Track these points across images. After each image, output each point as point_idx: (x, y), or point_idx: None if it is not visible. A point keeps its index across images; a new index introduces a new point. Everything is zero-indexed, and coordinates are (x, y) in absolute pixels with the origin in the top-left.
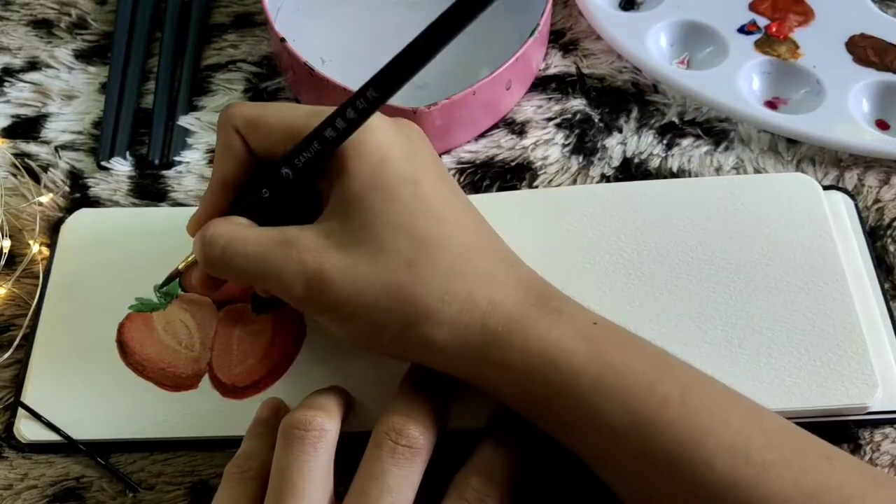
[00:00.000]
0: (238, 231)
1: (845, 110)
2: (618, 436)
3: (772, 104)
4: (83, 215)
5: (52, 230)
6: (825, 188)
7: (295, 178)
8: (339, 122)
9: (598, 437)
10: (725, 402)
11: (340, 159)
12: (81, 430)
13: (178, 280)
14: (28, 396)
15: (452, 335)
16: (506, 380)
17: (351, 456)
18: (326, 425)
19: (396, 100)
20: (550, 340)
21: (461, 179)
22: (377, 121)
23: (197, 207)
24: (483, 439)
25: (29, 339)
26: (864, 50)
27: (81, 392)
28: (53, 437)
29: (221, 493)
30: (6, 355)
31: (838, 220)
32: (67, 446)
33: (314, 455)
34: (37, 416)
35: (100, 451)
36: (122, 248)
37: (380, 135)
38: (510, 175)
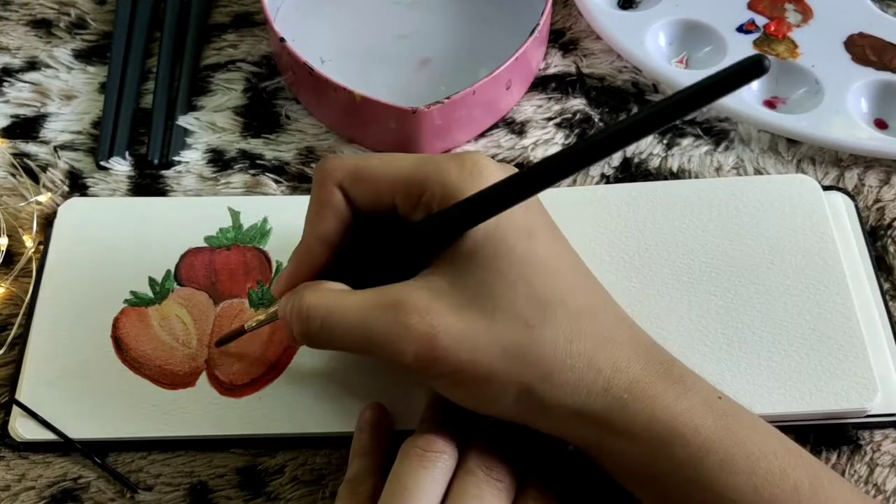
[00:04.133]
0: (336, 300)
1: (844, 109)
2: None
3: (770, 104)
4: (75, 204)
5: (48, 227)
6: (825, 188)
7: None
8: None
9: None
10: (854, 496)
11: None
12: (78, 430)
13: (173, 274)
14: (23, 395)
15: (573, 399)
16: (625, 450)
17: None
18: (447, 450)
19: (397, 99)
20: (678, 413)
21: None
22: (491, 167)
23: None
24: (526, 487)
25: (23, 337)
26: (863, 49)
27: (77, 390)
28: (49, 435)
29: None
30: (0, 353)
31: (838, 220)
32: (64, 445)
33: (432, 470)
34: (32, 415)
35: (97, 451)
36: (116, 239)
37: (509, 169)
38: None
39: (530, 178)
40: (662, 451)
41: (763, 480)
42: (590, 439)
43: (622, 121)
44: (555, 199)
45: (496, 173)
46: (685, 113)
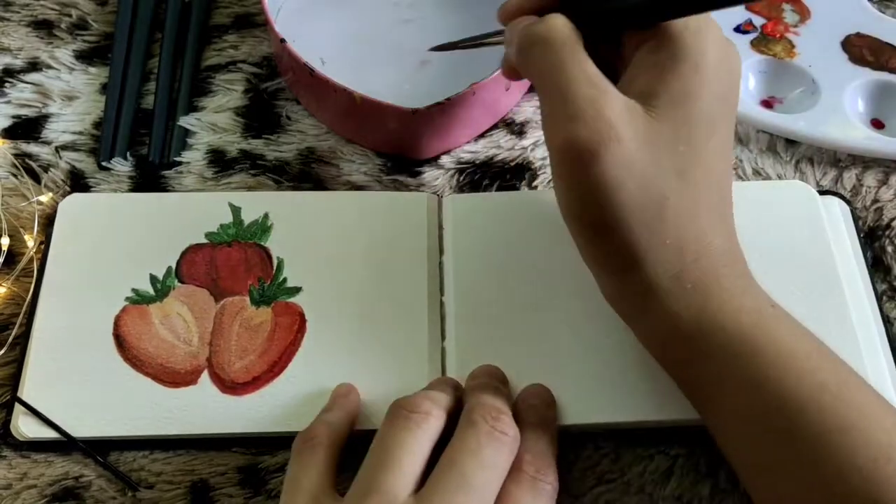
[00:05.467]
0: (562, 25)
1: (840, 109)
2: (768, 409)
3: (767, 103)
4: (76, 199)
5: (49, 226)
6: (822, 192)
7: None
8: None
9: (747, 407)
10: (878, 404)
11: (687, 43)
12: (80, 428)
13: (174, 271)
14: (25, 393)
15: (654, 271)
16: (671, 330)
17: (350, 455)
18: (433, 411)
19: (397, 99)
20: (728, 309)
21: (461, 179)
22: (722, 36)
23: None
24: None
25: (25, 336)
26: (860, 49)
27: (79, 389)
28: (52, 434)
29: (291, 466)
30: (1, 352)
31: (834, 225)
32: (66, 444)
33: (416, 431)
34: (35, 413)
35: (98, 449)
36: (117, 236)
37: (732, 50)
38: (510, 175)
39: None
40: (704, 337)
41: (791, 375)
42: (643, 317)
43: None
44: (554, 200)
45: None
46: None
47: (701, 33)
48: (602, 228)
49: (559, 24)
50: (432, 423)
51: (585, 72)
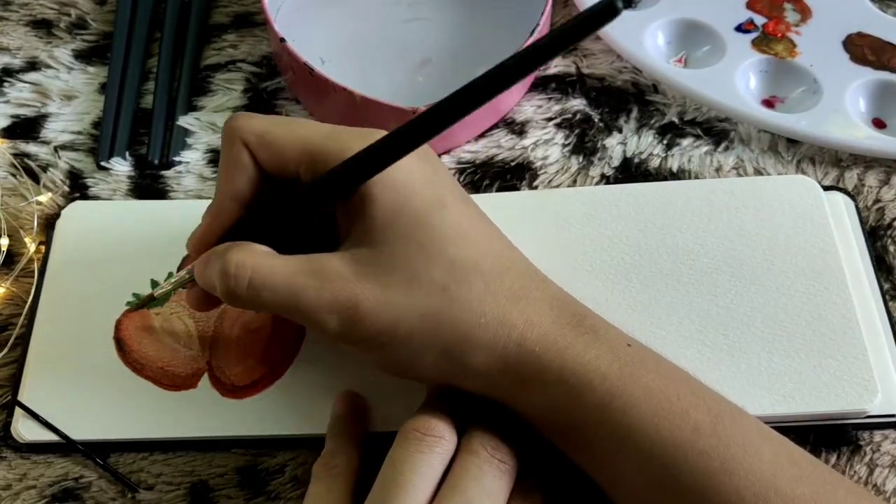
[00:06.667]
0: (263, 261)
1: (842, 109)
2: (647, 460)
3: (768, 103)
4: (79, 207)
5: (49, 227)
6: (825, 188)
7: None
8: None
9: (627, 460)
10: (757, 433)
11: (364, 186)
12: (80, 430)
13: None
14: (25, 396)
15: (490, 357)
16: (540, 400)
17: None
18: (446, 435)
19: (397, 99)
20: (587, 361)
21: (461, 179)
22: None
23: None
24: (528, 472)
25: (25, 338)
26: (862, 48)
27: (79, 391)
28: (51, 436)
29: (312, 489)
30: (2, 353)
31: (838, 220)
32: (66, 446)
33: (429, 455)
34: (34, 416)
35: (98, 451)
36: (119, 242)
37: (402, 161)
38: (510, 175)
39: (412, 132)
40: (572, 399)
41: (665, 422)
42: (508, 395)
43: (490, 71)
44: (555, 200)
45: None
46: (550, 57)
47: None
48: (434, 356)
49: (242, 259)
50: (445, 447)
51: (292, 271)
